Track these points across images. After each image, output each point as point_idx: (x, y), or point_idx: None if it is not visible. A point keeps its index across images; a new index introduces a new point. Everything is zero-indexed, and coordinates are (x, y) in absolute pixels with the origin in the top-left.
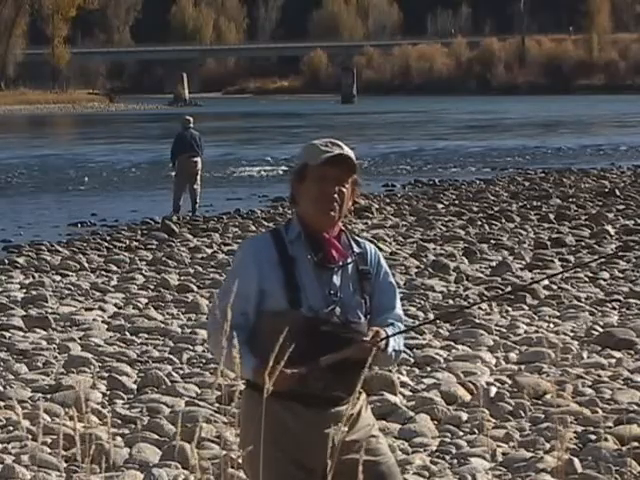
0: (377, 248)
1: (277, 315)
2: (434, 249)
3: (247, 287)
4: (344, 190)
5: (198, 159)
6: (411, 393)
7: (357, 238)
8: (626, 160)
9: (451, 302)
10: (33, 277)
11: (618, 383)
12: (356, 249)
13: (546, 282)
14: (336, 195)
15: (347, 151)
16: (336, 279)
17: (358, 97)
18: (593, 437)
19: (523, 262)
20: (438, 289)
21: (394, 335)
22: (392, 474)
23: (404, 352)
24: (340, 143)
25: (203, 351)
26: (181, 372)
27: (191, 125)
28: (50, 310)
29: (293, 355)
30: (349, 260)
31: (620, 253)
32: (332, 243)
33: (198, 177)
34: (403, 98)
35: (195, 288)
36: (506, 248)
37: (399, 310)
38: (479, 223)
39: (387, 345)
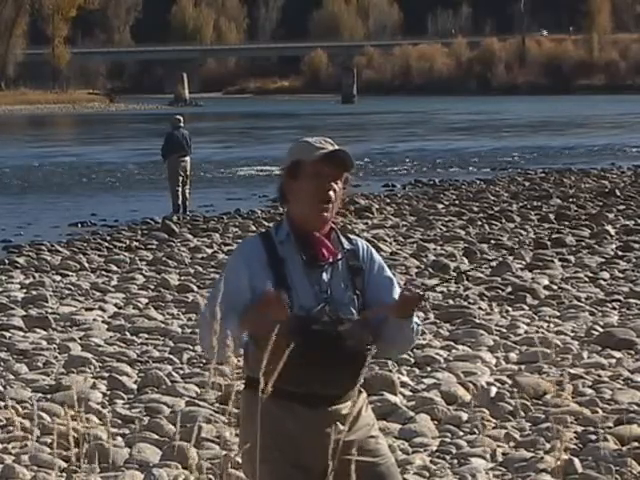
0: (370, 244)
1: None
2: (434, 249)
3: (239, 285)
4: (337, 188)
5: (187, 159)
6: (411, 393)
7: (348, 235)
8: (626, 160)
9: (451, 302)
10: (33, 277)
11: (618, 383)
12: (347, 245)
13: (546, 282)
14: (331, 192)
15: (341, 148)
16: (326, 277)
17: (358, 97)
18: (593, 437)
19: (523, 262)
20: (438, 289)
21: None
22: (391, 474)
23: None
24: (331, 141)
25: (203, 351)
26: (181, 372)
27: (181, 124)
28: (50, 310)
29: (289, 354)
30: (339, 257)
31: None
32: (322, 241)
33: (188, 178)
34: (403, 98)
35: (195, 288)
36: (506, 248)
37: None
38: (479, 223)
39: (413, 312)
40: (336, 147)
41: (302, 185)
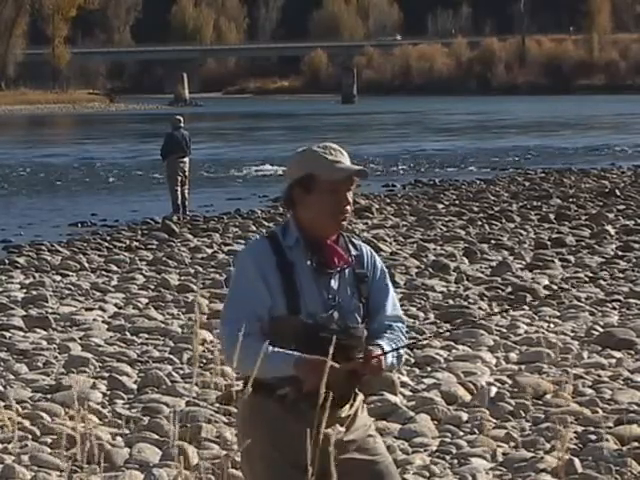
0: (373, 250)
1: (276, 320)
2: (434, 249)
3: (259, 291)
4: (351, 198)
5: (187, 159)
6: (411, 393)
7: (353, 240)
8: (626, 160)
9: (451, 302)
10: (33, 277)
11: (618, 383)
12: (353, 252)
13: (546, 282)
14: (348, 207)
15: (347, 156)
16: (334, 283)
17: (358, 97)
18: (593, 437)
19: (523, 262)
20: (438, 289)
21: (389, 352)
22: (390, 473)
23: (402, 357)
24: (336, 146)
25: (203, 351)
26: (181, 372)
27: (182, 125)
28: (50, 310)
29: None
30: (349, 264)
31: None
32: (334, 248)
33: (187, 178)
34: (403, 98)
35: (195, 288)
36: (506, 248)
37: (397, 310)
38: (479, 223)
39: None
40: (344, 156)
41: (317, 200)
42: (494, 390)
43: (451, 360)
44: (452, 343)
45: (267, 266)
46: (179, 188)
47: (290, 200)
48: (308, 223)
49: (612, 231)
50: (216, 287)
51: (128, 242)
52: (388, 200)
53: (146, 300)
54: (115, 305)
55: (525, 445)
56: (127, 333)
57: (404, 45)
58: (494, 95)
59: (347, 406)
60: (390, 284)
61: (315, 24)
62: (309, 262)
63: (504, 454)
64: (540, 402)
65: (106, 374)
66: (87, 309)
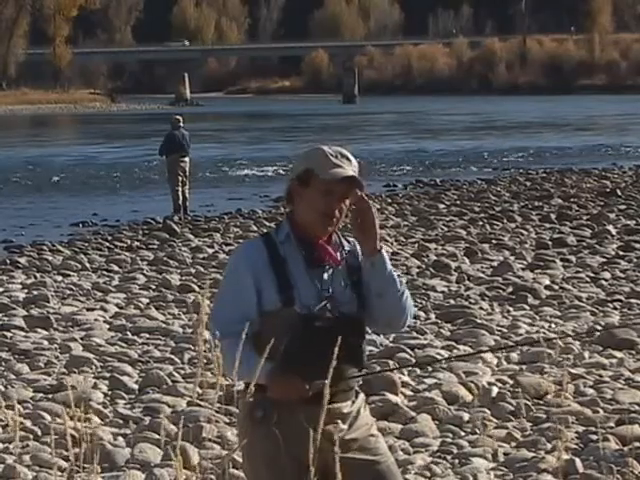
0: None
1: (271, 315)
2: (435, 249)
3: (247, 291)
4: (344, 206)
5: (187, 159)
6: (412, 393)
7: (347, 237)
8: (627, 160)
9: (452, 302)
10: (35, 277)
11: (619, 383)
12: (347, 247)
13: (547, 282)
14: (337, 212)
15: (355, 166)
16: (327, 275)
17: (359, 97)
18: (594, 437)
19: (524, 262)
20: (439, 289)
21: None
22: (392, 473)
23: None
24: (348, 154)
25: (204, 351)
26: (182, 372)
27: (181, 124)
28: (52, 310)
29: (290, 352)
30: (341, 262)
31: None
32: (324, 248)
33: (187, 178)
34: (404, 98)
35: (196, 288)
36: (507, 248)
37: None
38: (480, 223)
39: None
40: (352, 163)
41: (311, 196)
42: (495, 390)
43: (452, 360)
44: (453, 343)
45: (259, 263)
46: (180, 188)
47: (289, 194)
48: (300, 220)
49: (613, 231)
50: (218, 287)
51: (129, 242)
52: (389, 200)
53: (147, 300)
54: (116, 305)
55: (526, 445)
56: (128, 333)
57: (405, 45)
58: (495, 95)
59: (349, 402)
60: None
61: (316, 24)
62: (300, 255)
63: (505, 454)
64: (541, 402)
65: (107, 374)
66: (88, 309)
